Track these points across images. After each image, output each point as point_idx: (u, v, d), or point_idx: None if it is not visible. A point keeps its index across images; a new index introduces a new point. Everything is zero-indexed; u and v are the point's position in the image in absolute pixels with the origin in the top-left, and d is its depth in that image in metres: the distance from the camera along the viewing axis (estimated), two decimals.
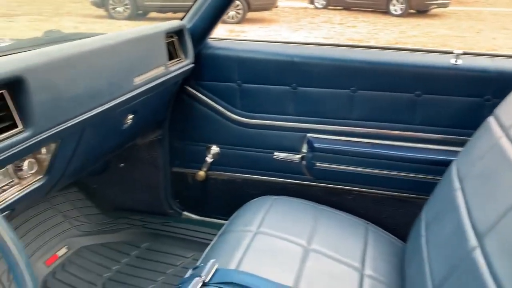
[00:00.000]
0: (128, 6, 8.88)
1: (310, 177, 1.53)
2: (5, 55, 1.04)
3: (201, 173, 1.67)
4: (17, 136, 0.85)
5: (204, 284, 1.00)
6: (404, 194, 1.46)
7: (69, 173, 1.19)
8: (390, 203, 1.50)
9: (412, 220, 1.23)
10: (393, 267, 1.17)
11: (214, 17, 1.47)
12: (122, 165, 1.74)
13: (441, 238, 0.95)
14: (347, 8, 12.03)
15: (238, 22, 9.10)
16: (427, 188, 1.31)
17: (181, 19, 1.48)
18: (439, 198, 1.11)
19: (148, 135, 1.65)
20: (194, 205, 1.78)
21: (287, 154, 1.54)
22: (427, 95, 1.37)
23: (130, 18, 8.81)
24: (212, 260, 1.06)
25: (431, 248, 0.97)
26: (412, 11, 11.31)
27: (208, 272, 1.02)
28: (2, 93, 0.84)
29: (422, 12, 11.63)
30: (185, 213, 1.80)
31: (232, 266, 1.06)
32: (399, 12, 11.13)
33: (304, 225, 1.25)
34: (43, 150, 1.03)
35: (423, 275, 0.92)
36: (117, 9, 8.92)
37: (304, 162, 1.52)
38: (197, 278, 1.00)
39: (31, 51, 0.92)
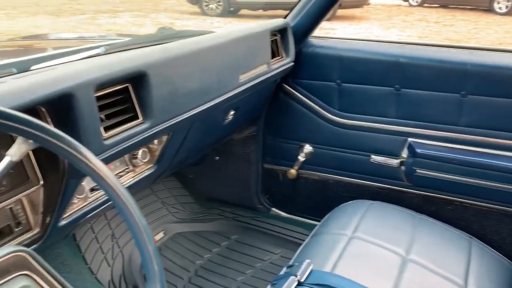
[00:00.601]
0: (220, 3, 9.16)
1: (408, 184, 1.47)
2: (125, 50, 1.13)
3: (293, 171, 1.67)
4: (138, 127, 0.91)
5: (299, 283, 1.00)
6: None
7: (174, 163, 1.25)
8: (496, 218, 1.39)
9: None
10: (500, 287, 1.09)
11: (317, 16, 1.46)
12: (217, 158, 1.80)
13: None
14: (445, 5, 11.33)
15: (328, 19, 8.95)
16: None
17: (285, 17, 1.49)
18: None
19: (243, 130, 1.69)
20: (283, 202, 1.79)
21: (385, 158, 1.49)
22: None
23: (222, 15, 9.08)
24: (307, 261, 1.06)
25: None
26: None
27: (303, 272, 1.02)
28: (127, 86, 0.90)
29: None
30: (274, 209, 1.82)
31: (327, 268, 1.05)
32: (504, 10, 10.23)
33: (402, 233, 1.20)
34: (155, 141, 1.10)
35: None
36: (210, 6, 9.25)
37: (403, 168, 1.46)
38: (292, 277, 1.01)
39: (152, 46, 0.99)
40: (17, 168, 0.78)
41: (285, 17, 1.50)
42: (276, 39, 1.43)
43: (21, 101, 0.68)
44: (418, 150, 1.40)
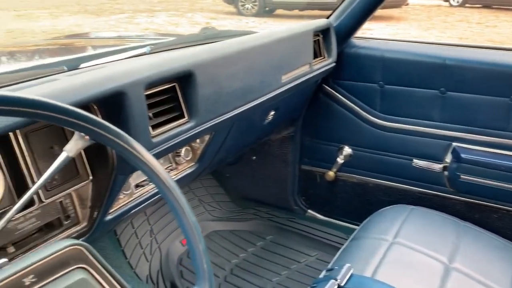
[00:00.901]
0: (256, 3, 9.17)
1: (451, 190, 1.43)
2: (170, 50, 1.14)
3: (331, 173, 1.65)
4: (184, 125, 0.92)
5: (340, 287, 0.99)
6: None
7: (214, 162, 1.26)
8: None
9: None
10: None
11: (361, 16, 1.44)
12: (254, 158, 1.80)
13: None
14: (488, 6, 10.94)
15: None
16: None
17: (327, 17, 1.48)
18: None
19: (281, 131, 1.68)
20: (320, 204, 1.78)
21: (427, 162, 1.45)
22: None
23: (257, 15, 9.10)
24: (347, 265, 1.04)
25: None
26: None
27: (343, 276, 1.01)
28: (174, 85, 0.91)
29: None
30: (310, 211, 1.80)
31: (368, 273, 1.04)
32: None
33: (445, 240, 1.16)
34: (197, 140, 1.11)
35: None
36: (246, 6, 9.28)
37: (446, 173, 1.41)
38: (332, 281, 1.00)
39: (198, 46, 1.00)
40: (68, 163, 0.81)
41: (328, 17, 1.48)
42: (318, 39, 1.42)
43: (75, 98, 0.70)
44: (463, 155, 1.36)
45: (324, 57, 1.44)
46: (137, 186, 0.98)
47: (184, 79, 0.91)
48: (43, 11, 9.38)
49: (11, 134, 0.72)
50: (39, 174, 0.75)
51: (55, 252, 0.47)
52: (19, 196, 0.75)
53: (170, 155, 1.06)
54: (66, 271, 0.47)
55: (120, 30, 7.37)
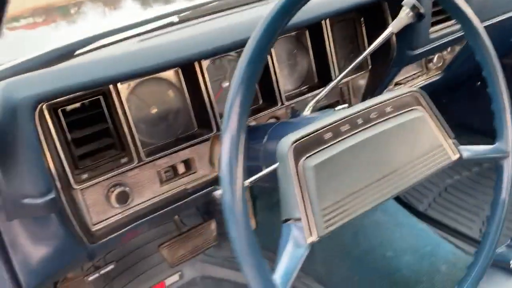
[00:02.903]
0: None
1: None
2: None
3: None
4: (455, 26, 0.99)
5: None
6: None
7: (457, 74, 1.29)
8: None
9: None
10: None
11: None
12: (478, 83, 1.75)
13: None
14: None
15: None
16: None
17: None
18: None
19: None
20: None
21: None
22: None
23: None
24: None
25: None
26: None
27: None
28: None
29: None
30: None
31: None
32: None
33: None
34: (448, 49, 1.17)
35: None
36: None
37: None
38: None
39: None
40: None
41: None
42: None
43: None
44: None
45: None
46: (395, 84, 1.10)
47: None
48: None
49: (323, 23, 0.89)
50: (331, 57, 0.91)
51: (403, 94, 0.61)
52: (319, 75, 0.94)
53: (423, 60, 1.14)
54: (410, 109, 0.62)
55: None
